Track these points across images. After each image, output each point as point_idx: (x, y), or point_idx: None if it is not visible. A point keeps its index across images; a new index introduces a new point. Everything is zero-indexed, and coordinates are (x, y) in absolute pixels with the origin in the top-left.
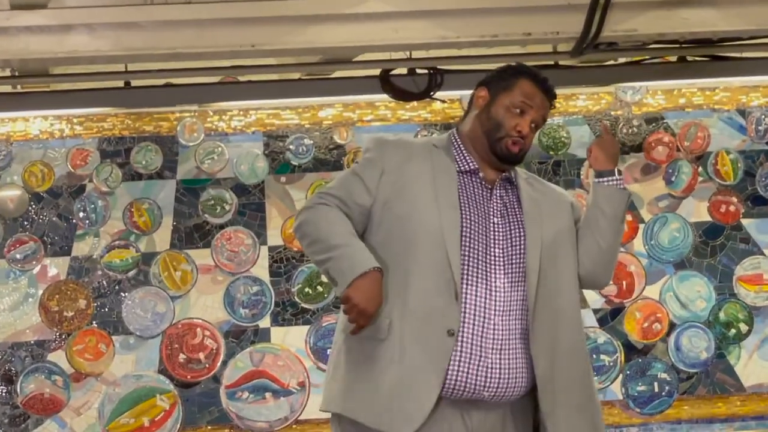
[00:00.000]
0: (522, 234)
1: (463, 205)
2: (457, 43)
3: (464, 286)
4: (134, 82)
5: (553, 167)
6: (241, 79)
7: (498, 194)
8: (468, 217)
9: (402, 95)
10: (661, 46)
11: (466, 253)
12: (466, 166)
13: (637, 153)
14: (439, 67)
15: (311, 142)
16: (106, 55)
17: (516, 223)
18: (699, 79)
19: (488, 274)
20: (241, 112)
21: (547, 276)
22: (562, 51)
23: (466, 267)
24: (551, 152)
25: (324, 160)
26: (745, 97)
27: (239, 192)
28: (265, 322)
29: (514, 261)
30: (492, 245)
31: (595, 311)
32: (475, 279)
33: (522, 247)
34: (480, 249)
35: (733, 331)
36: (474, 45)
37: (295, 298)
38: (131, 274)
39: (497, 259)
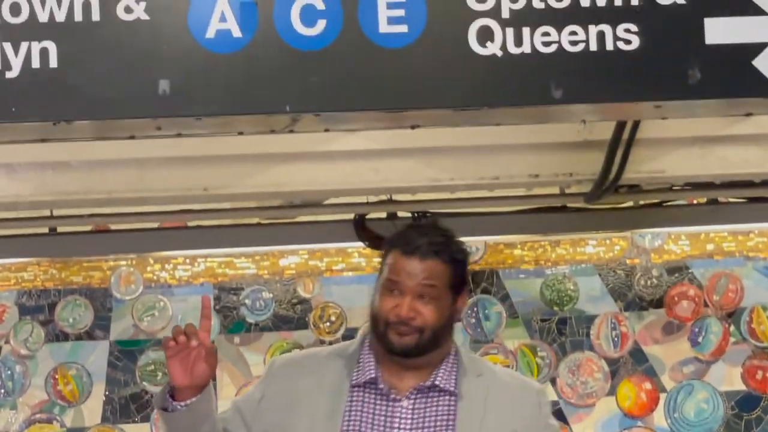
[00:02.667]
0: None
1: (345, 429)
2: (450, 186)
3: None
4: (61, 228)
5: (558, 326)
6: (189, 223)
7: (407, 409)
8: None
9: (381, 243)
10: (692, 189)
11: None
12: (362, 377)
13: (657, 309)
14: (424, 210)
15: (270, 295)
16: (28, 201)
17: None
18: (731, 225)
19: None
20: (188, 261)
21: None
22: (572, 193)
23: None
24: (556, 308)
25: (286, 317)
26: None
27: None
28: None
29: None
30: None
31: None
32: None
33: None
34: None
35: None
36: (471, 188)
37: None
38: None
39: None
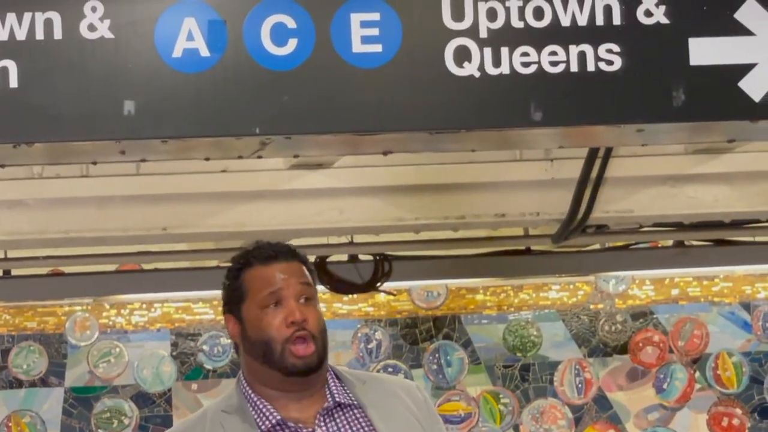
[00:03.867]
0: None
1: None
2: (415, 226)
3: None
4: (15, 271)
5: (521, 372)
6: (145, 266)
7: None
8: None
9: (342, 287)
10: (660, 229)
11: None
12: (268, 422)
13: (621, 355)
14: (387, 253)
15: (229, 341)
16: None
17: None
18: (698, 268)
19: None
20: (144, 306)
21: None
22: (537, 235)
23: None
24: (519, 354)
25: None
26: (749, 288)
27: (141, 402)
28: None
29: None
30: None
31: None
32: None
33: None
34: None
35: None
36: (436, 228)
37: None
38: None
39: None
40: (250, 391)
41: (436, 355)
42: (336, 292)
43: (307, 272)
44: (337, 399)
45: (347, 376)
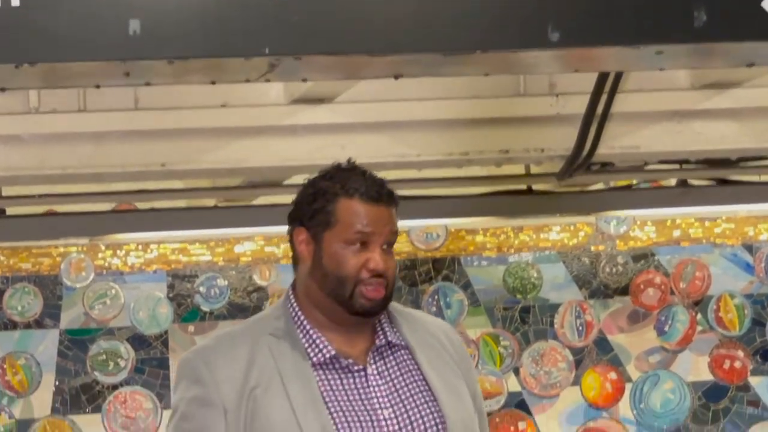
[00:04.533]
0: (436, 420)
1: (333, 412)
2: (418, 163)
3: None
4: (9, 210)
5: (521, 314)
6: (140, 206)
7: (375, 376)
8: (345, 425)
9: None
10: (666, 167)
11: None
12: (322, 356)
13: (622, 297)
14: None
15: (225, 283)
16: None
17: (417, 407)
18: (700, 207)
19: None
20: (140, 247)
21: None
22: (541, 173)
23: None
24: (519, 296)
25: (241, 305)
26: (752, 230)
27: (137, 344)
28: None
29: None
30: None
31: None
32: None
33: None
34: None
35: None
36: (439, 165)
37: None
38: None
39: None
40: (302, 317)
41: (436, 297)
42: None
43: (396, 218)
44: (389, 338)
45: (396, 314)
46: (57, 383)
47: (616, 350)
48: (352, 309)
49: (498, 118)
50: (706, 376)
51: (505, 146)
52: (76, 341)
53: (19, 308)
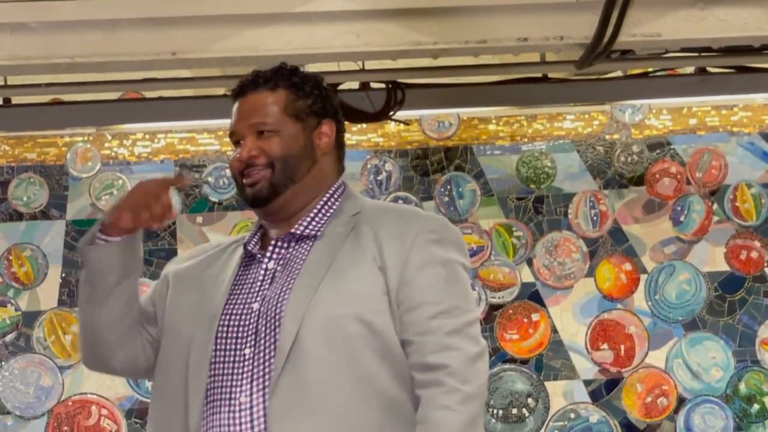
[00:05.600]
0: (275, 320)
1: (228, 302)
2: (434, 51)
3: (205, 410)
4: (15, 99)
5: (535, 204)
6: (148, 95)
7: (268, 268)
8: (227, 315)
9: (353, 115)
10: (687, 55)
11: (216, 362)
12: (249, 249)
13: (637, 187)
14: (399, 80)
15: None
16: None
17: (278, 302)
18: (718, 96)
19: (232, 389)
20: (148, 136)
21: None
22: (555, 61)
23: (212, 383)
24: (532, 185)
25: None
26: None
27: (145, 236)
28: None
29: (261, 365)
30: (241, 344)
31: (587, 383)
32: (218, 398)
33: (272, 346)
34: (229, 354)
35: (756, 406)
36: (456, 53)
37: None
38: (9, 338)
39: (244, 364)
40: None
41: (448, 186)
42: (346, 120)
43: (274, 101)
44: (298, 231)
45: (346, 204)
46: (63, 275)
47: (631, 241)
48: (247, 201)
49: (516, 4)
50: (722, 266)
51: (523, 34)
52: (83, 232)
53: (25, 199)
